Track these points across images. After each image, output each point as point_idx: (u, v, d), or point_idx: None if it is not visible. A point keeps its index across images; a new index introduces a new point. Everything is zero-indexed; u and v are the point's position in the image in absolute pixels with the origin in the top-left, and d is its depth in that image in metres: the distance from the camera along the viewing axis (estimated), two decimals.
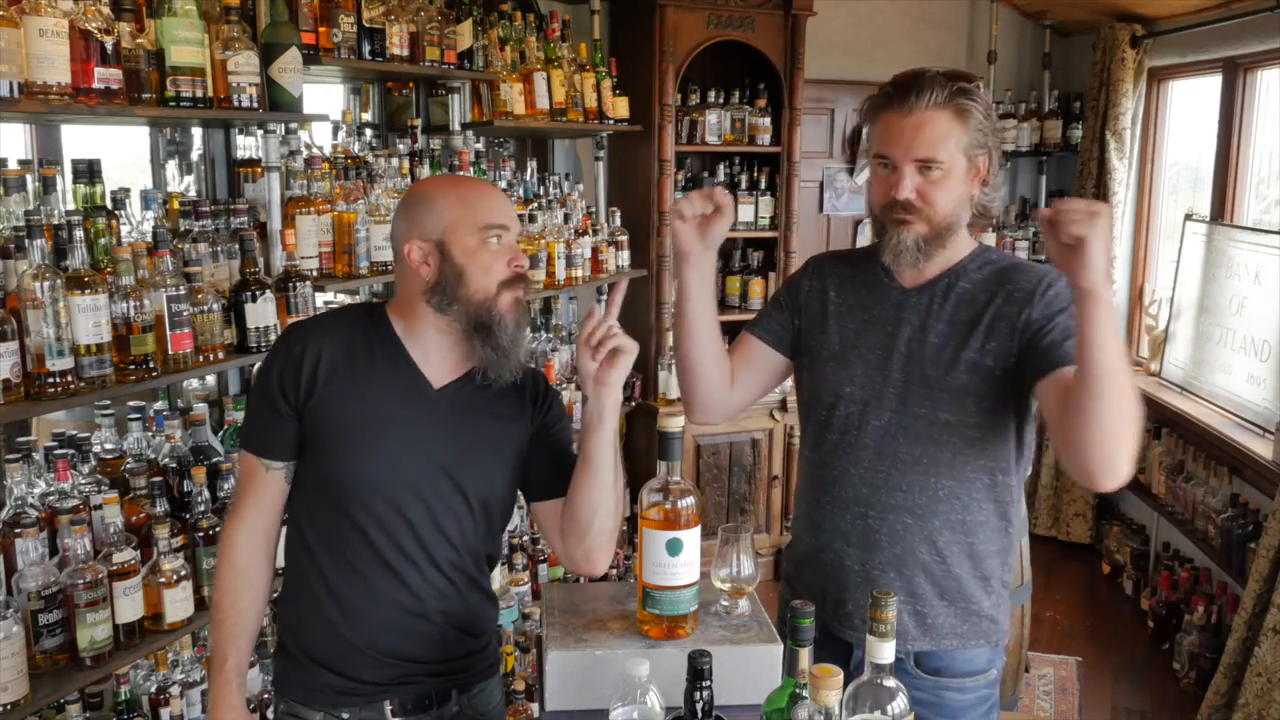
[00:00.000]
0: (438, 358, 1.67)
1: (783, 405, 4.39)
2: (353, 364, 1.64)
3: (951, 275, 1.75)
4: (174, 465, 2.31)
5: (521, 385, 1.71)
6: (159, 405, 2.49)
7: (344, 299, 3.04)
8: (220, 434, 2.54)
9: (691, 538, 1.54)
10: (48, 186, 2.11)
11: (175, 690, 2.30)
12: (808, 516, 1.86)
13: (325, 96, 3.48)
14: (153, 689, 2.31)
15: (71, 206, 2.18)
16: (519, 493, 1.76)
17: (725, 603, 1.66)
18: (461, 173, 3.28)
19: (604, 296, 4.36)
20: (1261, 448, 3.65)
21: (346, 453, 1.61)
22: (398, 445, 1.62)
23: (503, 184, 3.67)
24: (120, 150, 2.71)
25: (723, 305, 4.85)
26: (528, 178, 3.92)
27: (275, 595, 1.80)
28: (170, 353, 2.15)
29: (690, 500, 1.55)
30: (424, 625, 1.65)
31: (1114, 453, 1.49)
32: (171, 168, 2.72)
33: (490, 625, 1.80)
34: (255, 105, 2.36)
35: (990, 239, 5.32)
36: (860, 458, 1.75)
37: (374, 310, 1.72)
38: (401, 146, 3.25)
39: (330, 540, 1.63)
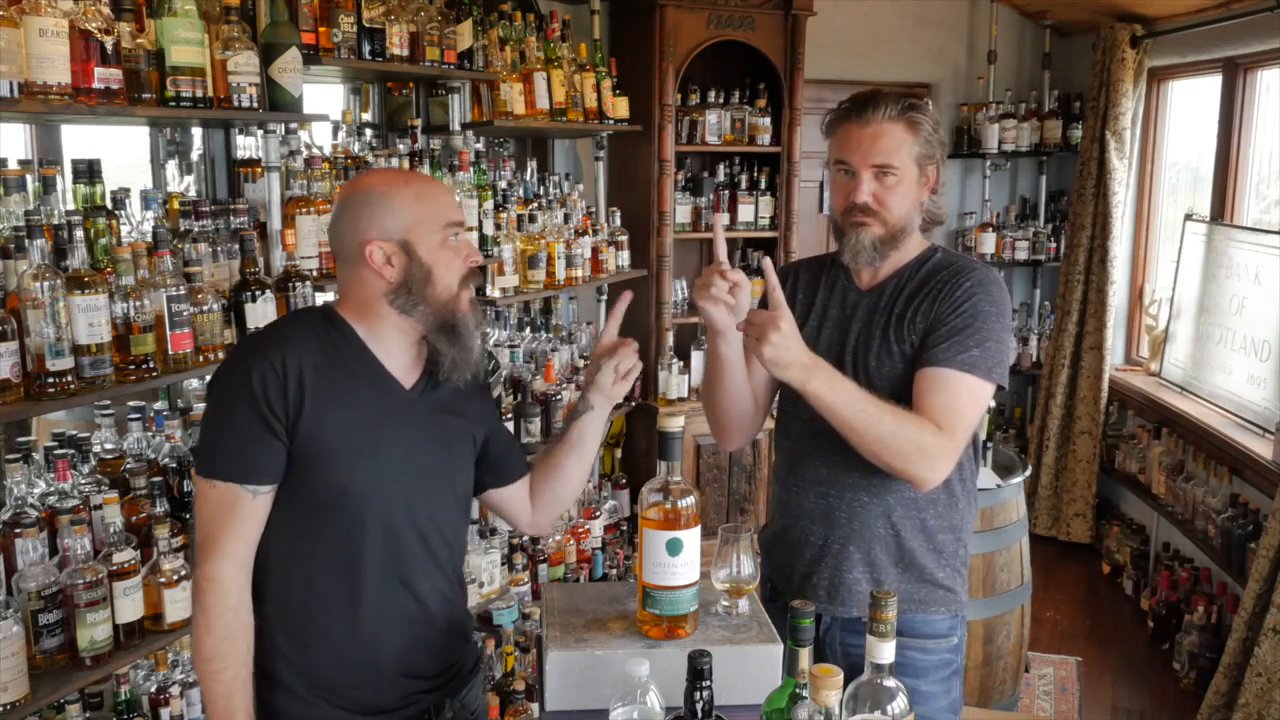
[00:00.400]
0: (400, 359, 1.64)
1: None
2: (330, 373, 1.57)
3: (899, 276, 1.90)
4: (174, 465, 2.31)
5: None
6: (159, 405, 2.49)
7: None
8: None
9: (691, 538, 1.54)
10: (48, 186, 2.11)
11: (175, 690, 2.30)
12: (778, 499, 2.01)
13: (325, 96, 3.48)
14: (153, 689, 2.31)
15: (71, 206, 2.18)
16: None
17: (725, 603, 1.66)
18: (462, 173, 3.28)
19: (603, 297, 4.37)
20: (1261, 448, 3.65)
21: (348, 466, 1.56)
22: (393, 452, 1.60)
23: (503, 184, 3.67)
24: (120, 150, 2.71)
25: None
26: (528, 178, 3.92)
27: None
28: (170, 353, 2.15)
29: (690, 500, 1.55)
30: (430, 632, 1.65)
31: (895, 470, 1.73)
32: (171, 168, 2.72)
33: (471, 619, 1.84)
34: (255, 105, 2.36)
35: (990, 239, 5.33)
36: (822, 443, 1.85)
37: (329, 315, 1.64)
38: (401, 146, 3.25)
39: (332, 559, 1.57)
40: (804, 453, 1.91)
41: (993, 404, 2.03)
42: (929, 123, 1.84)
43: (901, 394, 1.80)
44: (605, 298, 4.44)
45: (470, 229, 1.73)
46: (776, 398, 2.02)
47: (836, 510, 1.88)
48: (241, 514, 1.53)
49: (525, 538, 3.54)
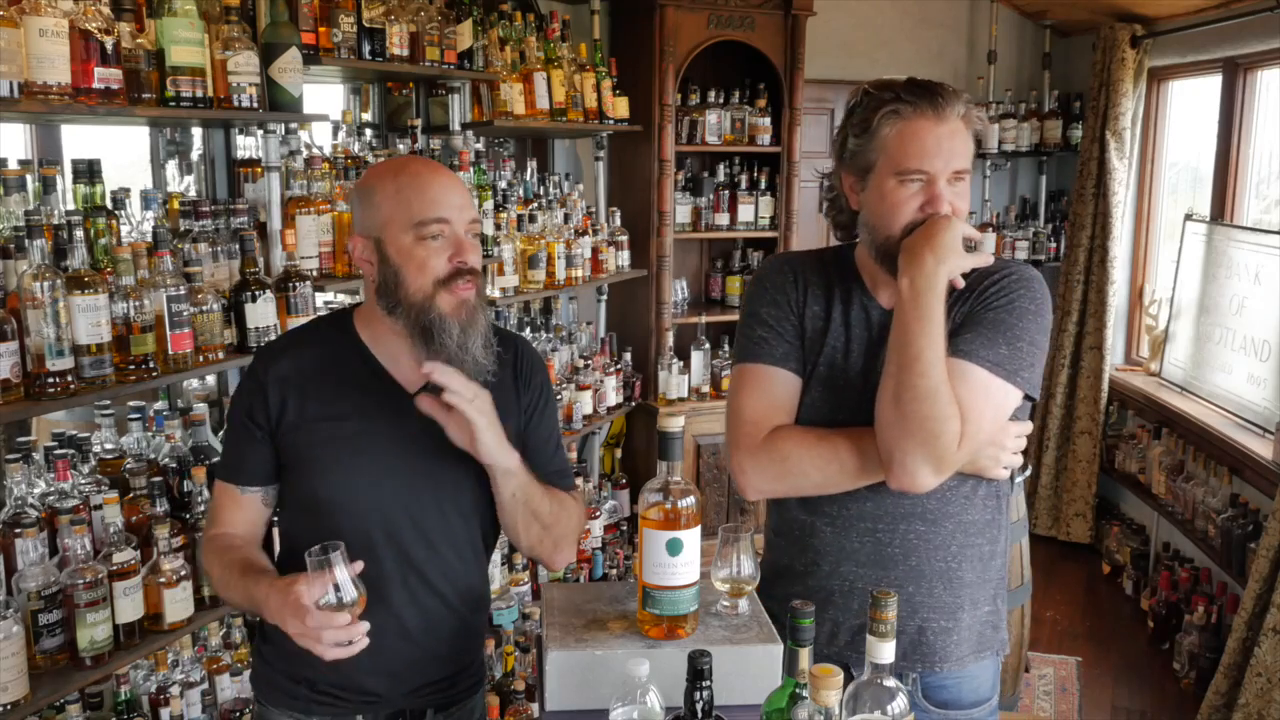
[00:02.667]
0: (407, 361, 1.57)
1: None
2: (324, 381, 1.58)
3: None
4: (174, 465, 2.31)
5: (506, 364, 1.62)
6: (159, 405, 2.49)
7: (344, 299, 3.04)
8: (220, 434, 2.54)
9: (691, 538, 1.54)
10: (48, 186, 2.11)
11: (175, 690, 2.30)
12: (799, 542, 1.72)
13: (325, 96, 3.48)
14: (153, 689, 2.31)
15: (71, 206, 2.18)
16: None
17: (725, 603, 1.65)
18: (462, 173, 3.27)
19: (603, 297, 4.37)
20: (1261, 448, 3.65)
21: (324, 473, 1.57)
22: (374, 462, 1.56)
23: (503, 184, 3.67)
24: (120, 150, 2.71)
25: (723, 305, 4.85)
26: (528, 178, 3.92)
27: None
28: (170, 353, 2.15)
29: (690, 500, 1.55)
30: (406, 647, 1.62)
31: (899, 452, 1.52)
32: (171, 168, 2.72)
33: (479, 638, 1.76)
34: (255, 105, 2.36)
35: (990, 240, 5.33)
36: None
37: (342, 320, 1.65)
38: (401, 146, 3.25)
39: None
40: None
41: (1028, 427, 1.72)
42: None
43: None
44: (605, 297, 4.45)
45: (476, 221, 1.60)
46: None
47: (888, 547, 1.64)
48: (229, 509, 1.64)
49: None
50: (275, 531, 1.77)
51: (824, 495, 1.66)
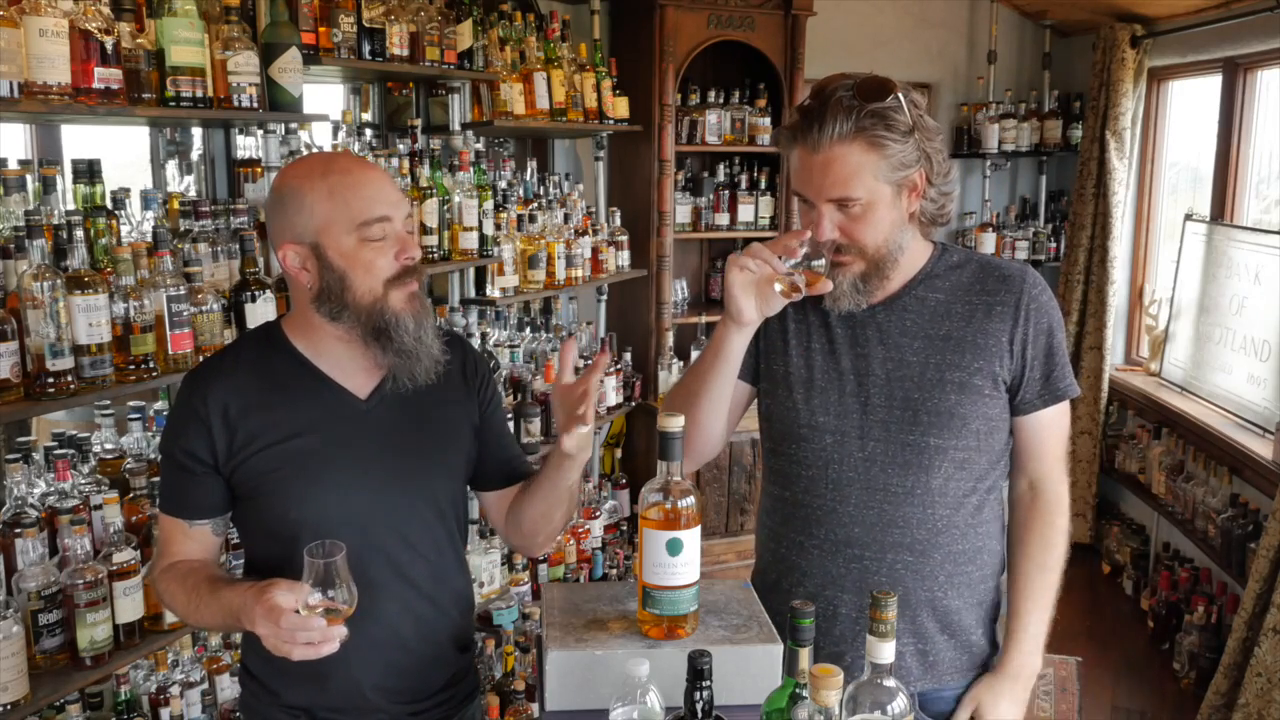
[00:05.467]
0: (352, 367, 1.53)
1: None
2: (265, 401, 1.50)
3: (918, 286, 1.64)
4: None
5: (454, 362, 1.60)
6: (159, 405, 2.49)
7: None
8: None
9: (691, 538, 1.54)
10: (48, 186, 2.11)
11: (175, 690, 2.30)
12: (784, 561, 1.72)
13: (325, 96, 3.48)
14: (153, 689, 2.31)
15: (71, 206, 2.18)
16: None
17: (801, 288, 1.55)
18: (462, 173, 3.27)
19: (603, 297, 4.36)
20: (1261, 448, 3.65)
21: (287, 495, 1.50)
22: (342, 473, 1.51)
23: (503, 184, 3.66)
24: (120, 150, 2.71)
25: (723, 305, 4.84)
26: (528, 178, 3.92)
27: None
28: (170, 353, 2.15)
29: (690, 500, 1.55)
30: (404, 657, 1.59)
31: None
32: (171, 168, 2.72)
33: (472, 642, 1.74)
34: (255, 105, 2.36)
35: (990, 240, 5.33)
36: (847, 494, 1.63)
37: (271, 333, 1.57)
38: (401, 146, 3.25)
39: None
40: (823, 508, 1.65)
41: None
42: (898, 130, 1.50)
43: (955, 426, 1.60)
44: (605, 297, 4.45)
45: (411, 216, 1.55)
46: (760, 441, 1.80)
47: (874, 575, 1.62)
48: (179, 544, 1.56)
49: None
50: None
51: (813, 516, 1.67)
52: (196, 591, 1.49)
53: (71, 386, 1.94)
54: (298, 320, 1.55)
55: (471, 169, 3.34)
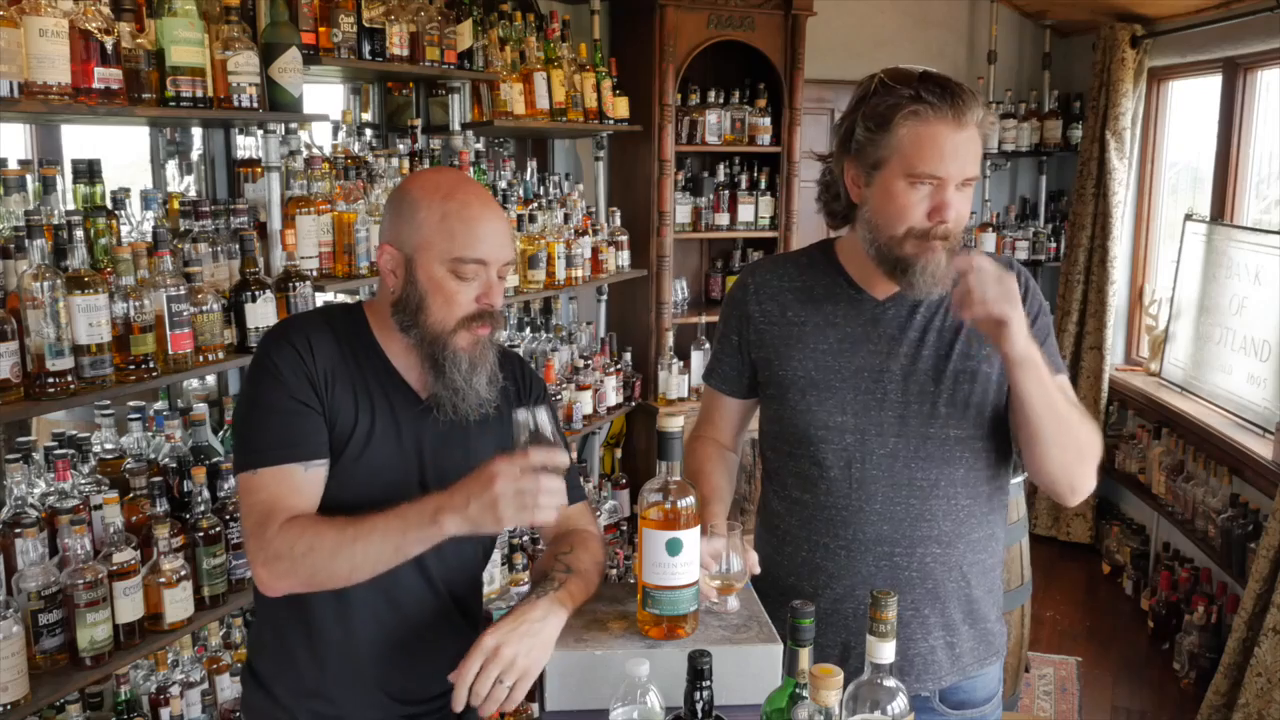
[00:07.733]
0: (418, 370, 1.56)
1: None
2: (344, 370, 1.52)
3: None
4: (174, 465, 2.31)
5: (508, 380, 1.62)
6: (159, 405, 2.49)
7: (344, 299, 3.04)
8: (220, 434, 2.54)
9: (691, 537, 1.54)
10: (48, 186, 2.12)
11: (175, 690, 2.30)
12: (807, 564, 1.70)
13: (325, 96, 3.48)
14: (153, 689, 2.31)
15: (71, 206, 2.18)
16: None
17: (714, 599, 1.63)
18: (470, 174, 3.27)
19: (603, 297, 4.35)
20: (1261, 448, 3.65)
21: (344, 466, 1.50)
22: (386, 461, 1.53)
23: (503, 184, 3.66)
24: (120, 150, 2.71)
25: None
26: (528, 178, 3.92)
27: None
28: (170, 353, 2.15)
29: (690, 500, 1.55)
30: (419, 654, 1.59)
31: (1073, 477, 1.59)
32: (171, 168, 2.72)
33: (474, 636, 1.73)
34: (255, 105, 2.36)
35: (990, 240, 5.33)
36: (873, 492, 1.63)
37: (353, 313, 1.59)
38: (401, 146, 3.25)
39: None
40: (849, 508, 1.64)
41: None
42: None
43: (971, 416, 1.61)
44: (605, 297, 4.45)
45: (510, 263, 1.55)
46: (763, 446, 1.82)
47: (904, 571, 1.63)
48: (291, 494, 1.44)
49: (525, 537, 3.54)
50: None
51: (838, 517, 1.66)
52: (352, 524, 1.40)
53: (71, 386, 1.94)
54: (377, 309, 1.57)
55: (471, 169, 3.34)
